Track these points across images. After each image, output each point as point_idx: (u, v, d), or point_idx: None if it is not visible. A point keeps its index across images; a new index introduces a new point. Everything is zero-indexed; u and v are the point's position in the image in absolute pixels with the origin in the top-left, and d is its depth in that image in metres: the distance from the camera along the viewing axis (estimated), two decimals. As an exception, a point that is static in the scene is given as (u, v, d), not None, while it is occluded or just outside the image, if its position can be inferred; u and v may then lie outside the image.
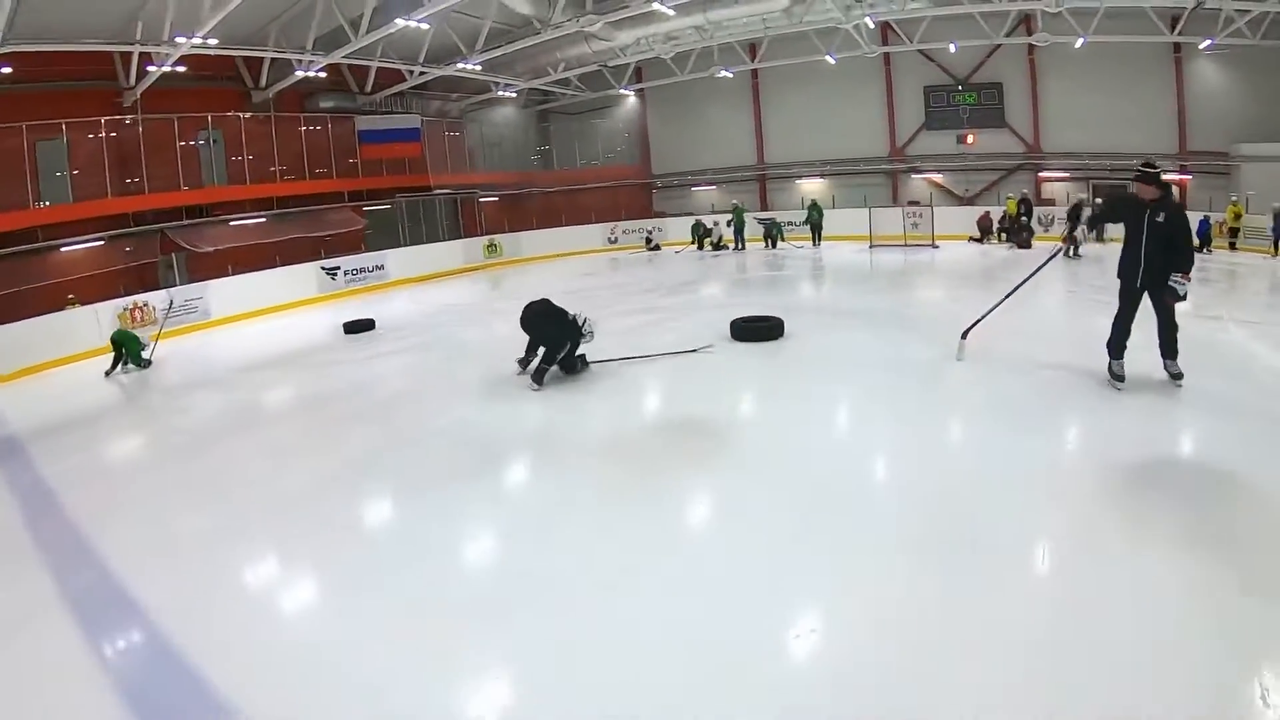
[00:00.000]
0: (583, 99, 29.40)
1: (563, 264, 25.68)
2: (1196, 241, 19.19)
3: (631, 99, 30.34)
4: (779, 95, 28.52)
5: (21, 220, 17.71)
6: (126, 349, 13.95)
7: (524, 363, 9.69)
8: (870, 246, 22.90)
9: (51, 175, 18.43)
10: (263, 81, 22.25)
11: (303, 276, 21.81)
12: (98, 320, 16.68)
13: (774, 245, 25.30)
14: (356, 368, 11.96)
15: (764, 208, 28.71)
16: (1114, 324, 7.52)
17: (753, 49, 25.92)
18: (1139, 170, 7.09)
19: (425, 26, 17.77)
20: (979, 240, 23.30)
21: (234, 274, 20.50)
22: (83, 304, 17.31)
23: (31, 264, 18.06)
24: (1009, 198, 23.29)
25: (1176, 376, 7.34)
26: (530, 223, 28.64)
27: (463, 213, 28.67)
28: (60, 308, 17.02)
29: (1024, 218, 22.17)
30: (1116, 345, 7.50)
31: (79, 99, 18.79)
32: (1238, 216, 19.98)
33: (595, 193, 30.64)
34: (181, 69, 18.26)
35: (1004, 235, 22.87)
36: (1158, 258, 7.03)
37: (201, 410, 10.43)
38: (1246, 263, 17.94)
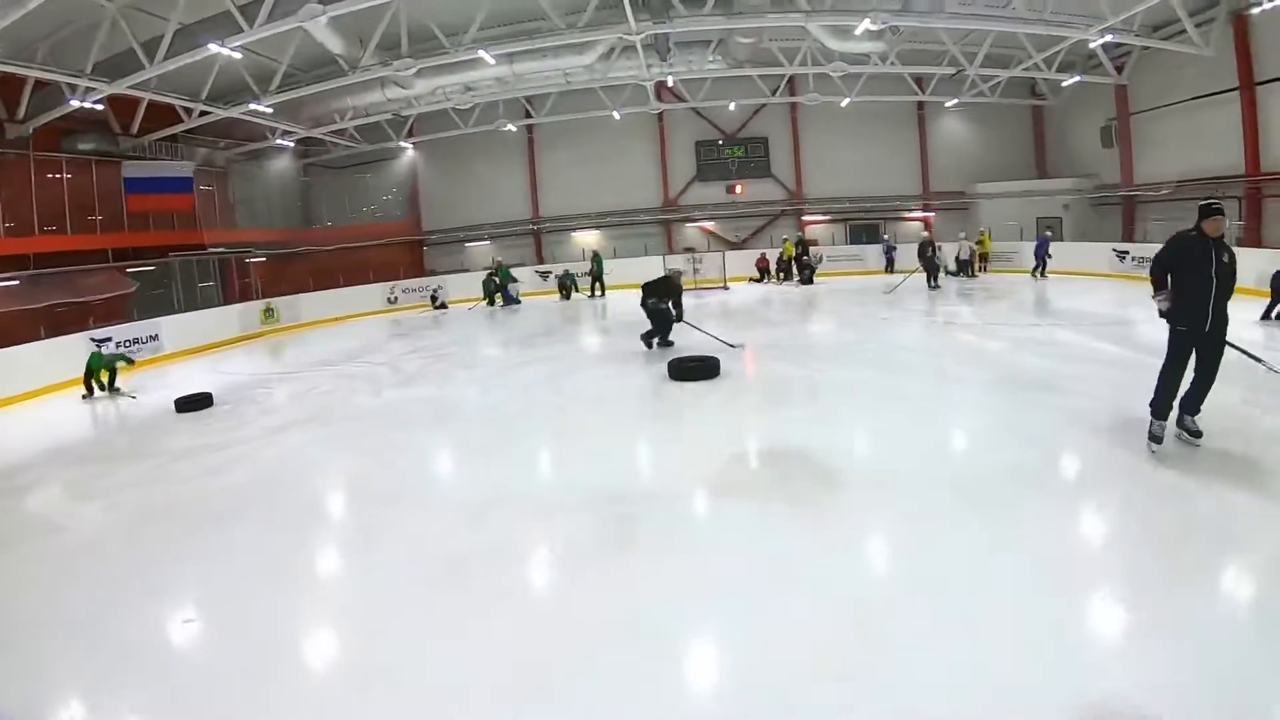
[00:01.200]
0: (354, 152, 28.43)
1: (346, 327, 23.92)
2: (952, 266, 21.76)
3: (409, 152, 29.91)
4: (553, 149, 29.23)
5: None
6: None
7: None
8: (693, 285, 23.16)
9: None
10: (21, 112, 18.76)
11: (70, 349, 16.44)
12: None
13: (568, 297, 25.52)
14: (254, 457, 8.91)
15: (540, 261, 29.13)
16: (1164, 379, 6.53)
17: (529, 104, 26.32)
18: (1207, 205, 6.18)
19: (237, 56, 15.93)
20: (759, 280, 24.93)
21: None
22: None
23: None
24: (785, 239, 25.23)
25: (1196, 435, 6.48)
26: (305, 284, 26.68)
27: (236, 274, 26.33)
28: None
29: (804, 256, 23.85)
30: (1164, 405, 6.52)
31: None
32: (981, 244, 22.85)
33: (368, 251, 29.45)
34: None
35: (781, 275, 24.48)
36: (1223, 300, 6.22)
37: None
38: (1007, 282, 21.06)
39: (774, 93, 25.07)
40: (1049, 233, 22.33)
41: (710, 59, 20.96)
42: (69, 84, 17.01)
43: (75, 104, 17.58)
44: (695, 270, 23.80)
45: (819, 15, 15.99)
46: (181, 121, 21.38)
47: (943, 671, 3.60)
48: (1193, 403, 6.47)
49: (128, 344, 18.30)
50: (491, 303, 25.27)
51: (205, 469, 8.39)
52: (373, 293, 27.35)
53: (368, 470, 7.88)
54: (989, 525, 5.30)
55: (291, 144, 26.85)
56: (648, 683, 3.74)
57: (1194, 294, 6.20)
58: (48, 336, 17.05)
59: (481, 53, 17.94)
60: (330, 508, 7.12)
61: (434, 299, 26.31)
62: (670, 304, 12.97)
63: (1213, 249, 6.10)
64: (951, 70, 21.47)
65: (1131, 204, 23.09)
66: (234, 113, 20.72)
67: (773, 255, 25.42)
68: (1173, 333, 6.42)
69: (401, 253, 30.75)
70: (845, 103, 24.14)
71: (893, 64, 21.40)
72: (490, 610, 4.62)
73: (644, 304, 12.98)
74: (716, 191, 28.54)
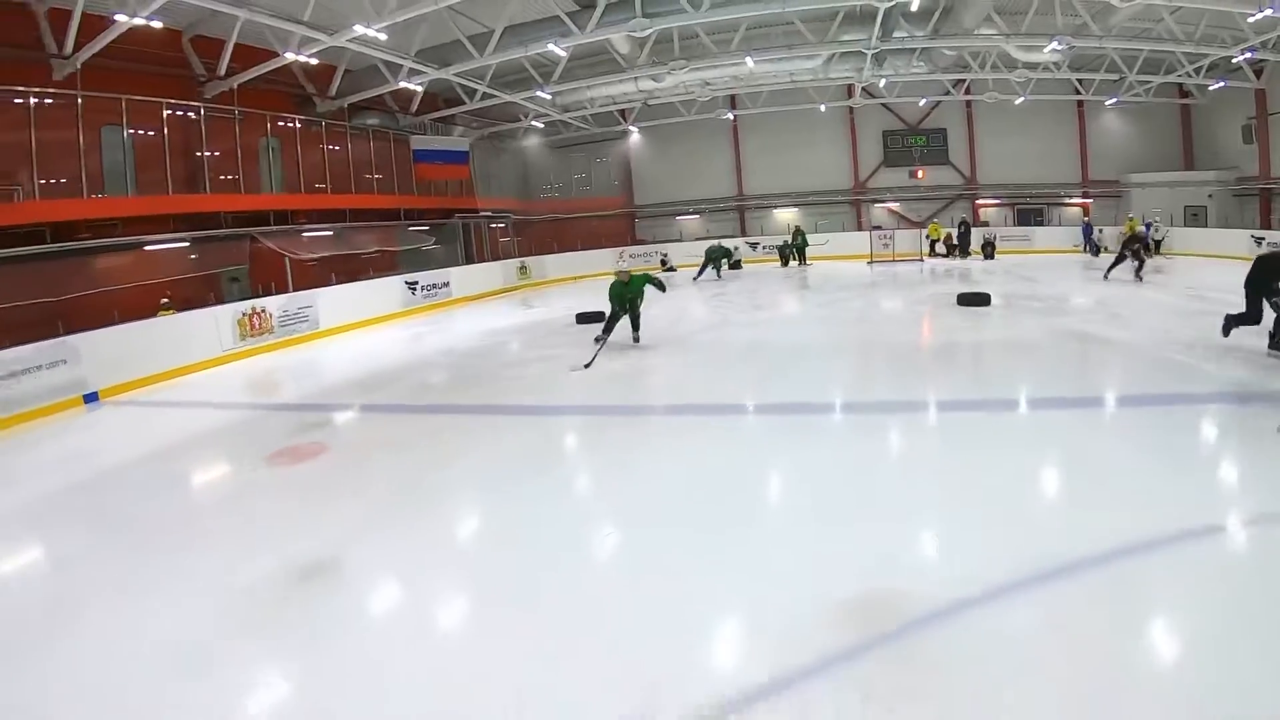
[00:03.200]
0: (585, 133, 34.20)
1: (586, 284, 28.48)
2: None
3: (634, 135, 35.39)
4: (755, 135, 34.44)
5: (78, 211, 16.48)
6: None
7: None
8: (870, 264, 28.54)
9: (112, 165, 17.51)
10: (333, 90, 23.19)
11: (387, 290, 22.75)
12: (217, 327, 16.34)
13: (786, 264, 30.72)
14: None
15: (743, 234, 34.39)
16: None
17: (735, 96, 31.82)
18: None
19: (562, 54, 20.76)
20: (945, 255, 29.73)
21: (310, 286, 20.17)
22: (177, 309, 16.66)
23: (99, 262, 16.94)
24: (933, 221, 30.92)
25: None
26: (549, 246, 33.04)
27: (496, 236, 32.17)
28: (153, 313, 16.17)
29: (965, 235, 29.27)
30: None
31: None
32: (1129, 227, 27.11)
33: (592, 221, 35.57)
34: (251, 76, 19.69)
35: (951, 251, 29.60)
36: None
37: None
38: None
39: (958, 90, 29.80)
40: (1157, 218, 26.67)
41: (915, 64, 25.75)
42: (398, 64, 21.22)
43: (402, 85, 22.02)
44: (885, 245, 29.04)
45: (1016, 38, 21.03)
46: (446, 106, 27.03)
47: None
48: None
49: (429, 289, 24.28)
50: (717, 268, 28.16)
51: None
52: (603, 256, 32.71)
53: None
54: None
55: (541, 125, 32.58)
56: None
57: None
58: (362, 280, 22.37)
59: (748, 60, 23.09)
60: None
61: (663, 263, 31.62)
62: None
63: None
64: (1114, 77, 25.85)
65: (1268, 195, 26.85)
66: (517, 98, 25.79)
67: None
68: None
69: (618, 224, 36.61)
70: (1019, 101, 28.83)
71: (1063, 71, 26.01)
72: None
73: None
74: (900, 176, 33.53)
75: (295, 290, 19.40)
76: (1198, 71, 25.02)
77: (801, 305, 20.14)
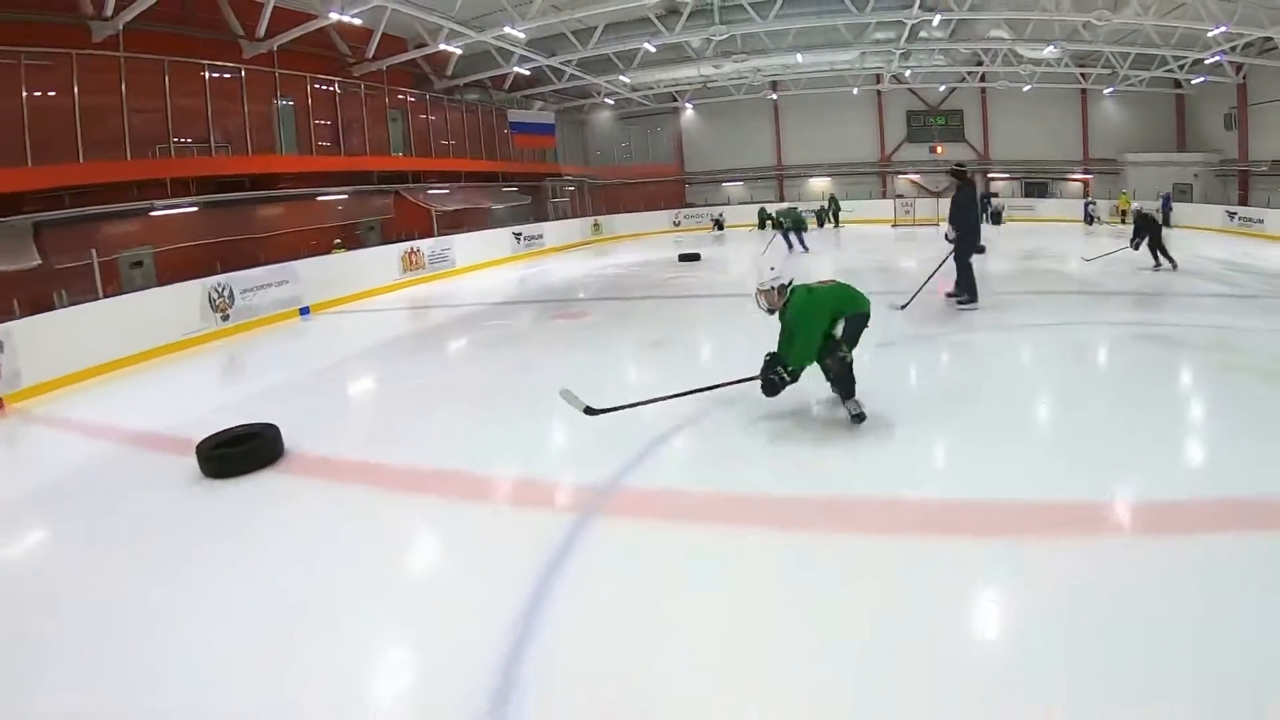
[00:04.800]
0: (646, 108, 39.28)
1: (649, 240, 34.28)
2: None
3: (688, 111, 40.09)
4: (794, 111, 38.99)
5: (270, 165, 20.51)
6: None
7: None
8: (894, 226, 33.33)
9: (287, 128, 21.57)
10: (449, 70, 27.71)
11: (500, 239, 27.76)
12: (388, 261, 21.38)
13: (821, 225, 34.36)
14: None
15: (781, 200, 38.45)
16: None
17: (774, 82, 36.48)
18: None
19: (653, 49, 25.88)
20: (954, 221, 33.79)
21: (442, 234, 24.52)
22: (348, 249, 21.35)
23: (283, 209, 21.59)
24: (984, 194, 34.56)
25: None
26: (614, 208, 37.92)
27: (575, 196, 37.35)
28: (327, 250, 20.56)
29: (988, 204, 33.27)
30: None
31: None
32: (1128, 203, 31.21)
33: (648, 186, 40.44)
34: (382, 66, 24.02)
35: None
36: None
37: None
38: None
39: (973, 78, 34.23)
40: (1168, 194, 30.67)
41: (935, 58, 30.16)
42: (505, 54, 25.71)
43: (515, 71, 26.92)
44: (907, 212, 33.72)
45: (1021, 43, 25.66)
46: (536, 85, 31.32)
47: None
48: None
49: (529, 239, 29.08)
50: (821, 225, 33.58)
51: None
52: (660, 217, 38.05)
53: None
54: None
55: (611, 102, 37.28)
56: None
57: None
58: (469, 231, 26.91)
59: (798, 56, 27.92)
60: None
61: (717, 224, 36.45)
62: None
63: None
64: (1107, 70, 30.14)
65: (1245, 176, 30.89)
66: (600, 80, 30.88)
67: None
68: None
69: (672, 189, 41.38)
70: (1027, 89, 33.27)
71: (1065, 65, 30.36)
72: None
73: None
74: (921, 151, 38.20)
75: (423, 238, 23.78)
76: (1182, 67, 29.10)
77: (846, 252, 24.67)
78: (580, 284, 20.32)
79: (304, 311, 17.85)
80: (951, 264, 12.60)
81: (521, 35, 22.37)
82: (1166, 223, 28.38)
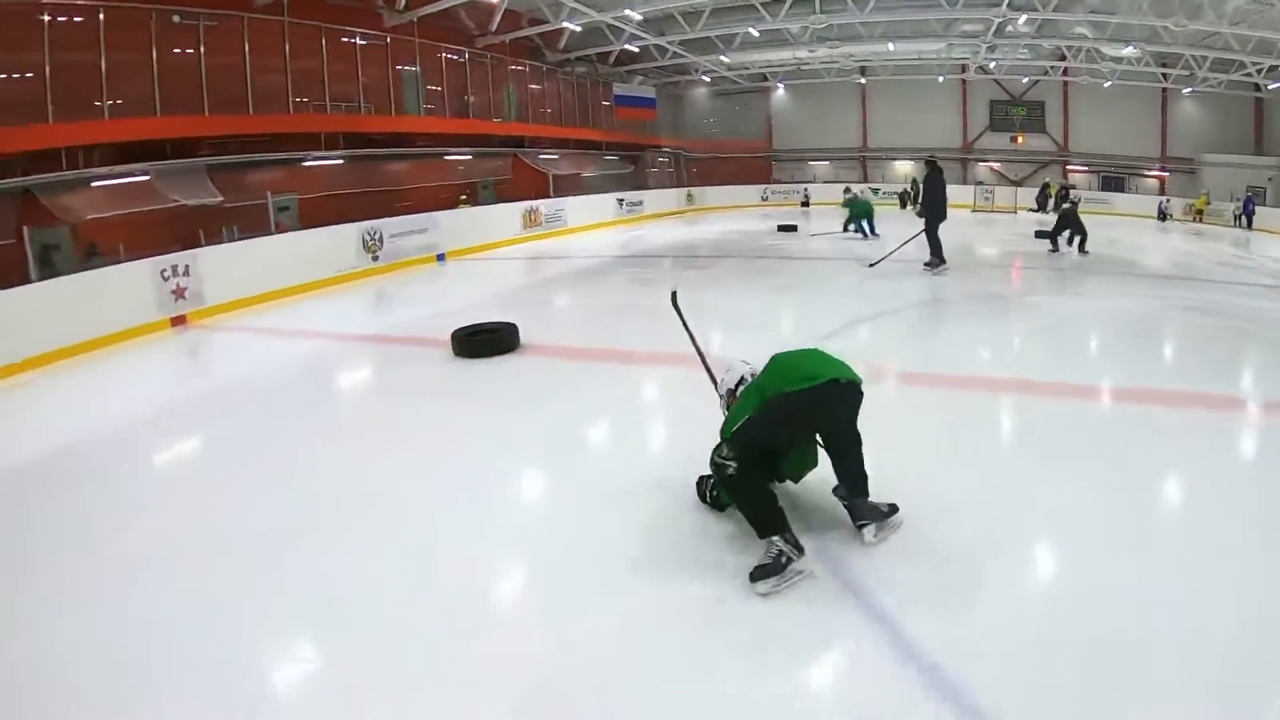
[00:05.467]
0: (740, 87, 41.46)
1: (739, 212, 36.02)
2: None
3: (779, 90, 41.95)
4: (880, 95, 40.70)
5: (407, 125, 23.30)
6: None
7: None
8: (974, 211, 35.16)
9: (417, 92, 23.75)
10: (561, 45, 29.29)
11: (604, 203, 30.04)
12: (511, 218, 24.12)
13: (903, 206, 36.00)
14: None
15: (865, 181, 40.45)
16: None
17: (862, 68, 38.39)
18: None
19: (756, 33, 28.09)
20: (1036, 210, 35.20)
21: (558, 197, 27.60)
22: (473, 204, 24.20)
23: (410, 166, 23.75)
24: (1054, 183, 36.17)
25: None
26: (705, 180, 40.07)
27: (676, 167, 39.67)
28: (452, 205, 23.21)
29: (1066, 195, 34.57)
30: None
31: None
32: (1205, 203, 32.55)
33: (741, 160, 42.57)
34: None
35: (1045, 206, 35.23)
36: None
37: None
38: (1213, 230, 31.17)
39: (1055, 72, 35.63)
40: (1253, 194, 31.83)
41: (1020, 51, 31.78)
42: (616, 31, 27.90)
43: (628, 48, 29.66)
44: (987, 199, 35.45)
45: (1103, 42, 27.37)
46: (639, 60, 33.47)
47: None
48: None
49: (631, 205, 31.37)
50: (903, 206, 34.97)
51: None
52: (749, 191, 40.30)
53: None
54: None
55: (708, 80, 39.46)
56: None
57: None
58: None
59: (890, 44, 29.78)
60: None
61: (805, 201, 38.31)
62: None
63: None
64: (1186, 72, 31.46)
65: None
66: (701, 59, 32.99)
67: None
68: None
69: (760, 164, 43.47)
70: (1107, 85, 34.54)
71: (1146, 64, 31.74)
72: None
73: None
74: (1002, 140, 39.73)
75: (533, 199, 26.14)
76: (1260, 71, 30.07)
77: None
78: (690, 245, 23.02)
79: (440, 257, 20.33)
80: (923, 238, 15.78)
81: (638, 16, 24.79)
82: (1249, 225, 30.07)
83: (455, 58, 25.35)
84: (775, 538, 4.29)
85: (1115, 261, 18.11)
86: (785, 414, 4.58)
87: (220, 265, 14.25)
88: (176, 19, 16.60)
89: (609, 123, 34.59)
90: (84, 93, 15.02)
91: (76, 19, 14.98)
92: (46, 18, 14.44)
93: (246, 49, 18.21)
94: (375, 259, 18.43)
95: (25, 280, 11.77)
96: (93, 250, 14.59)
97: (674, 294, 6.78)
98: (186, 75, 17.00)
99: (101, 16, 15.17)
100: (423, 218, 20.46)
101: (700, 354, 6.24)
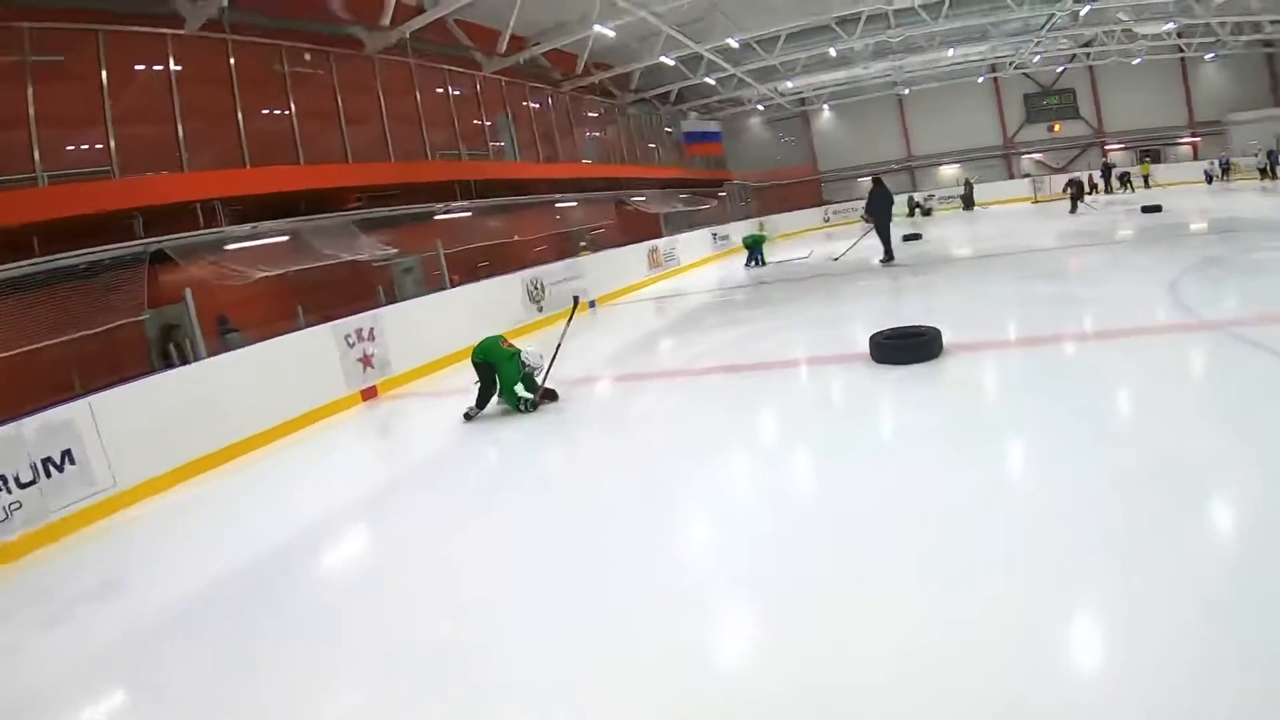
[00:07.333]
0: (787, 111, 44.37)
1: (806, 236, 37.54)
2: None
3: (825, 111, 45.10)
4: (917, 103, 43.55)
5: (520, 171, 22.55)
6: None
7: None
8: (1034, 203, 37.56)
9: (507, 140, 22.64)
10: (633, 84, 30.20)
11: (703, 239, 31.57)
12: (638, 260, 24.91)
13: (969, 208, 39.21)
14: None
15: (914, 188, 43.17)
16: None
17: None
18: None
19: (834, 53, 30.27)
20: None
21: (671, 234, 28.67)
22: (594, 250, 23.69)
23: (521, 214, 22.45)
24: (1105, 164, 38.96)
25: None
26: (770, 207, 42.67)
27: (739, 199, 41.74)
28: (575, 254, 22.65)
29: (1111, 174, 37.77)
30: None
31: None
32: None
33: (796, 185, 45.21)
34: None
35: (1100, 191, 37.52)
36: None
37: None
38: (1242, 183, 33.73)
39: (1082, 57, 38.48)
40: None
41: (1061, 41, 34.69)
42: (691, 63, 28.75)
43: (699, 80, 30.74)
44: (1037, 191, 38.22)
45: (1142, 23, 30.28)
46: (705, 95, 35.68)
47: None
48: None
49: (721, 239, 33.20)
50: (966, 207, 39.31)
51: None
52: (810, 215, 42.95)
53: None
54: None
55: (762, 109, 42.30)
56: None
57: None
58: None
59: (949, 50, 32.40)
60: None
61: (864, 218, 39.73)
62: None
63: None
64: (1210, 39, 34.30)
65: None
66: (762, 87, 34.98)
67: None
68: None
69: (809, 188, 45.96)
70: (1136, 61, 37.21)
71: (1172, 37, 34.55)
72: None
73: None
74: (1040, 131, 42.43)
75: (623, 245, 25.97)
76: (1274, 24, 32.12)
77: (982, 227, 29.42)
78: (808, 266, 23.71)
79: (591, 304, 20.36)
80: (875, 237, 20.26)
81: (734, 44, 26.34)
82: (1273, 174, 32.67)
83: (538, 104, 24.84)
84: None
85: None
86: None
87: (403, 325, 13.46)
88: (307, 57, 15.72)
89: (671, 159, 35.26)
90: (217, 142, 13.72)
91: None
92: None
93: (380, 92, 17.43)
94: (540, 309, 18.17)
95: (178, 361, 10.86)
96: (226, 323, 12.99)
97: (575, 298, 9.38)
98: (323, 123, 16.00)
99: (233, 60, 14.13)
100: (571, 264, 20.78)
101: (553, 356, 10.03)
